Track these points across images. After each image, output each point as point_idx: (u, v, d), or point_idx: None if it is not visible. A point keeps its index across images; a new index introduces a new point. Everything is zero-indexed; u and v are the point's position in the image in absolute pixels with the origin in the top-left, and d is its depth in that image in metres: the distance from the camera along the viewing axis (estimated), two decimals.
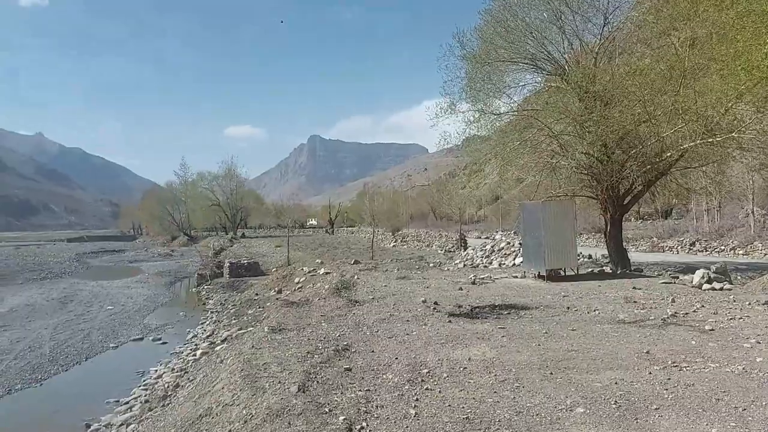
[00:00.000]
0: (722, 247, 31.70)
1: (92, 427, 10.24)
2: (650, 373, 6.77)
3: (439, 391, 6.28)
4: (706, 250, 32.36)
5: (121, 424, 9.80)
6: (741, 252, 29.83)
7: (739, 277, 16.59)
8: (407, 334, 9.31)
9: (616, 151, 17.52)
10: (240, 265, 33.20)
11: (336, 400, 5.96)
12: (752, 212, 35.85)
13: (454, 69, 20.22)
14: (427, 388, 6.39)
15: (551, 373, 6.85)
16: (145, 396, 11.50)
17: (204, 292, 29.50)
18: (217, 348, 13.75)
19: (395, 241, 54.50)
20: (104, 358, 16.57)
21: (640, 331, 9.09)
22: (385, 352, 8.17)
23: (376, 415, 5.57)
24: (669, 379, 6.49)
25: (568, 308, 11.51)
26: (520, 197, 53.27)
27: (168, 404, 9.49)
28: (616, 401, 5.77)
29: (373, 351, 8.25)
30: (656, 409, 5.55)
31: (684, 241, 35.19)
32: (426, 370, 7.08)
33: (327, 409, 5.64)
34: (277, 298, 18.36)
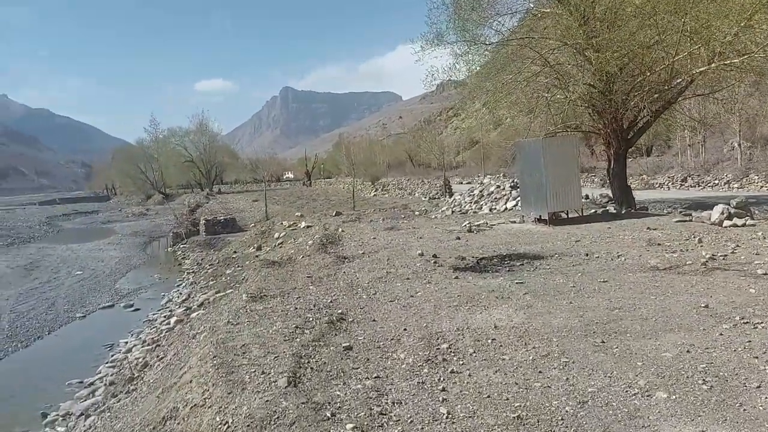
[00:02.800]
0: (716, 182, 30.75)
1: (48, 418, 8.83)
2: (721, 334, 5.46)
3: (470, 375, 4.88)
4: (699, 185, 31.43)
5: (80, 415, 8.42)
6: (736, 185, 28.86)
7: (756, 212, 15.42)
8: (411, 296, 7.89)
9: (619, 80, 15.95)
10: (216, 221, 31.45)
11: (338, 396, 4.52)
12: (739, 145, 34.89)
13: None
14: (452, 371, 4.99)
15: (602, 342, 5.49)
16: (112, 376, 10.10)
17: (180, 252, 27.84)
18: (193, 315, 12.32)
19: (376, 191, 53.08)
20: (70, 331, 15.05)
21: (682, 280, 7.79)
22: (388, 320, 6.76)
23: (395, 418, 4.14)
24: (749, 341, 5.19)
25: (587, 255, 10.18)
26: (502, 139, 51.83)
27: (134, 389, 8.09)
28: (703, 380, 4.42)
29: (374, 320, 6.83)
30: (758, 387, 4.24)
31: (675, 177, 34.23)
32: (446, 345, 5.67)
33: (328, 413, 4.19)
34: (256, 256, 16.88)
